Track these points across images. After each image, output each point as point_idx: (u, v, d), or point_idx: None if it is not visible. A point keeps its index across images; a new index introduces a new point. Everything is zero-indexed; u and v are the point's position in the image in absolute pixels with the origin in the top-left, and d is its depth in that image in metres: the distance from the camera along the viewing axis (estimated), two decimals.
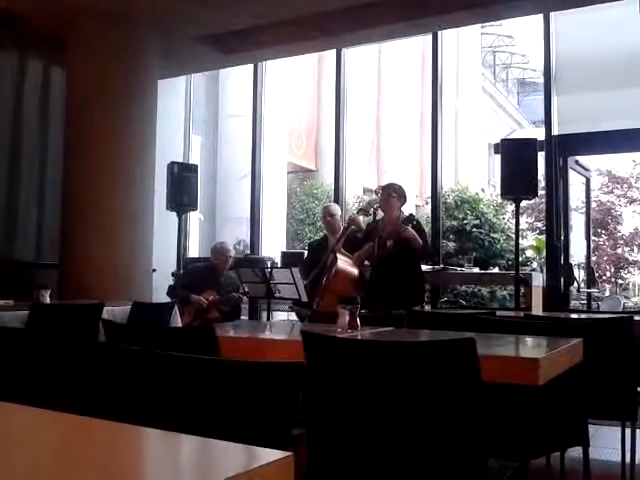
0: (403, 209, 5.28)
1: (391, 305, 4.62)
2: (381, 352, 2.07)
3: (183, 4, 6.26)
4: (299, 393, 1.42)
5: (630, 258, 18.30)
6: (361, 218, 5.51)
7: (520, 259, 6.62)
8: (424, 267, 6.33)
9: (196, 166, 8.12)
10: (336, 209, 5.92)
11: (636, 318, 3.47)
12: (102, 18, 6.43)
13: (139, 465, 0.98)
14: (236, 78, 11.08)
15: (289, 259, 7.42)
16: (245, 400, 1.46)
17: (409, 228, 4.91)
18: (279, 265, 7.40)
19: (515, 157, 6.08)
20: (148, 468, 0.97)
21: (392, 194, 5.17)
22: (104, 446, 1.02)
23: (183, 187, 7.54)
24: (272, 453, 0.90)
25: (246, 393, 1.47)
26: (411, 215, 5.03)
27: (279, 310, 6.67)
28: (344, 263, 5.08)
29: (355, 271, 5.08)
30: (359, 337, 2.70)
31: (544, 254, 7.54)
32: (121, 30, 6.53)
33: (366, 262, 5.21)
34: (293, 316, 6.19)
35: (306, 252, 6.68)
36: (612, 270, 18.36)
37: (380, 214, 5.26)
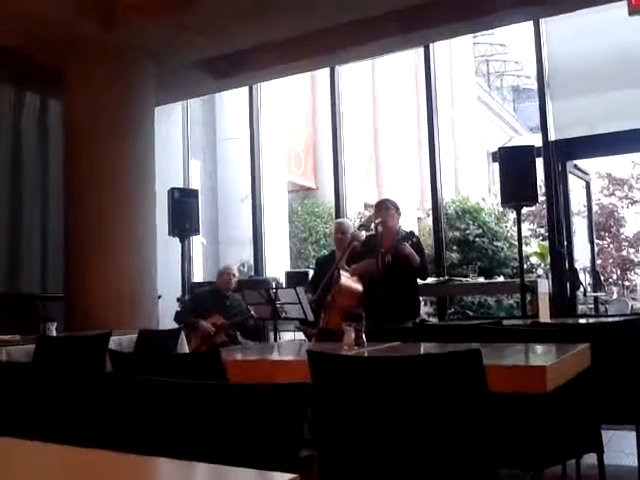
0: (404, 224, 5.31)
1: (386, 319, 4.60)
2: (387, 368, 2.07)
3: (175, 32, 6.31)
4: (305, 414, 1.41)
5: (635, 259, 18.25)
6: (363, 233, 5.51)
7: (525, 266, 6.59)
8: (429, 280, 6.32)
9: (196, 191, 8.14)
10: (348, 226, 5.87)
11: None
12: (97, 50, 6.48)
13: None
14: (232, 101, 11.13)
15: (293, 279, 7.42)
16: (251, 423, 1.46)
17: (407, 245, 4.91)
18: (284, 285, 7.39)
19: (513, 164, 6.09)
20: None
21: (390, 207, 5.19)
22: (114, 478, 1.01)
23: (184, 212, 7.56)
24: (279, 477, 0.90)
25: (252, 416, 1.46)
26: (411, 232, 5.05)
27: (286, 330, 6.65)
28: (347, 280, 5.07)
29: (359, 287, 5.07)
30: (365, 354, 2.69)
31: (548, 260, 7.53)
32: (116, 60, 6.58)
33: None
34: (301, 335, 6.17)
35: (311, 270, 6.68)
36: (618, 272, 18.30)
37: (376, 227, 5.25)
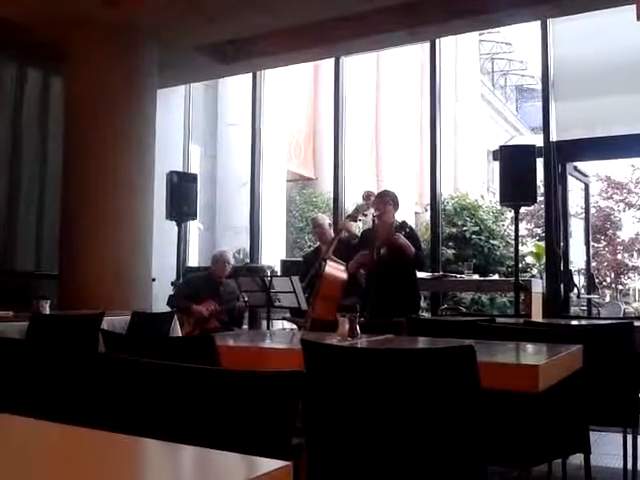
0: (397, 216, 5.29)
1: (386, 313, 4.61)
2: (381, 360, 2.07)
3: (182, 14, 6.29)
4: (298, 402, 1.42)
5: (630, 264, 18.29)
6: (351, 224, 5.52)
7: (520, 265, 6.61)
8: (424, 274, 6.33)
9: (195, 175, 8.13)
10: (323, 219, 5.94)
11: (636, 324, 3.47)
12: (101, 28, 6.44)
13: (138, 476, 0.98)
14: (235, 87, 11.10)
15: (289, 267, 7.42)
16: (244, 410, 1.46)
17: (401, 236, 4.90)
18: (279, 274, 7.39)
19: (514, 164, 6.09)
20: (147, 479, 0.97)
21: (389, 201, 5.18)
22: (103, 457, 1.02)
23: (183, 196, 7.55)
24: (271, 463, 0.90)
25: (245, 403, 1.47)
26: (404, 222, 5.02)
27: (279, 319, 6.66)
28: (331, 268, 5.09)
29: (343, 275, 5.09)
30: (359, 345, 2.70)
31: (544, 260, 7.54)
32: (120, 40, 6.55)
33: (362, 270, 5.21)
34: (292, 324, 6.19)
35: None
36: (612, 276, 18.35)
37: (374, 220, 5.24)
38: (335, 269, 5.11)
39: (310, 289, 5.21)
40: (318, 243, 6.02)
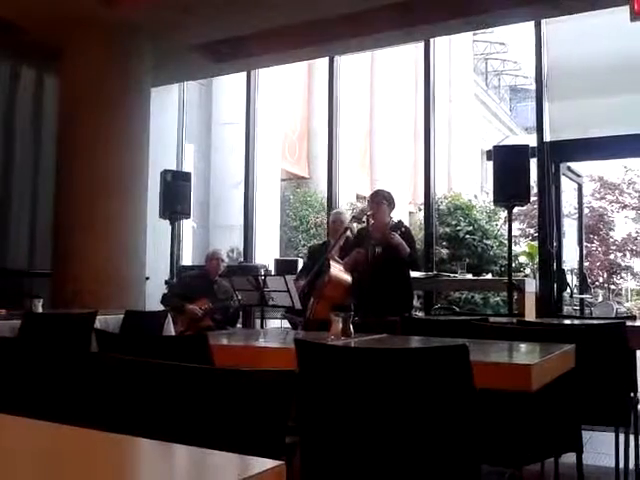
0: (393, 215, 5.28)
1: (379, 312, 4.60)
2: (374, 359, 2.07)
3: (176, 14, 6.27)
4: (292, 401, 1.42)
5: (622, 264, 18.35)
6: (355, 226, 5.50)
7: (513, 265, 6.63)
8: (417, 274, 6.33)
9: (189, 174, 8.12)
10: (345, 217, 5.84)
11: (629, 323, 3.48)
12: (96, 27, 6.43)
13: (131, 476, 0.98)
14: (229, 86, 11.09)
15: (283, 266, 7.42)
16: (238, 409, 1.46)
17: (396, 235, 4.90)
18: (273, 273, 7.39)
19: (507, 164, 6.10)
20: (140, 479, 0.96)
21: (383, 201, 5.17)
22: (96, 457, 1.01)
23: (176, 195, 7.54)
24: (264, 462, 0.90)
25: (238, 402, 1.46)
26: (400, 222, 5.02)
27: (273, 318, 6.66)
28: (337, 270, 5.06)
29: (348, 278, 5.06)
30: (352, 344, 2.70)
31: (537, 260, 7.56)
32: (114, 39, 6.54)
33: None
34: (287, 324, 6.18)
35: (301, 259, 6.67)
36: (605, 276, 18.42)
37: (368, 219, 5.23)
38: (341, 271, 5.08)
39: (312, 285, 5.16)
40: (325, 238, 5.92)
